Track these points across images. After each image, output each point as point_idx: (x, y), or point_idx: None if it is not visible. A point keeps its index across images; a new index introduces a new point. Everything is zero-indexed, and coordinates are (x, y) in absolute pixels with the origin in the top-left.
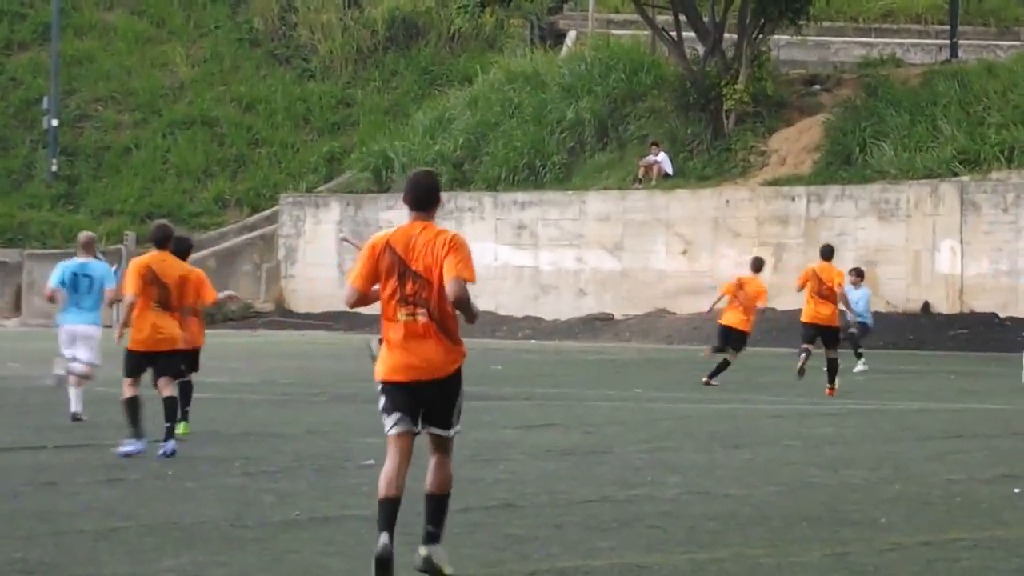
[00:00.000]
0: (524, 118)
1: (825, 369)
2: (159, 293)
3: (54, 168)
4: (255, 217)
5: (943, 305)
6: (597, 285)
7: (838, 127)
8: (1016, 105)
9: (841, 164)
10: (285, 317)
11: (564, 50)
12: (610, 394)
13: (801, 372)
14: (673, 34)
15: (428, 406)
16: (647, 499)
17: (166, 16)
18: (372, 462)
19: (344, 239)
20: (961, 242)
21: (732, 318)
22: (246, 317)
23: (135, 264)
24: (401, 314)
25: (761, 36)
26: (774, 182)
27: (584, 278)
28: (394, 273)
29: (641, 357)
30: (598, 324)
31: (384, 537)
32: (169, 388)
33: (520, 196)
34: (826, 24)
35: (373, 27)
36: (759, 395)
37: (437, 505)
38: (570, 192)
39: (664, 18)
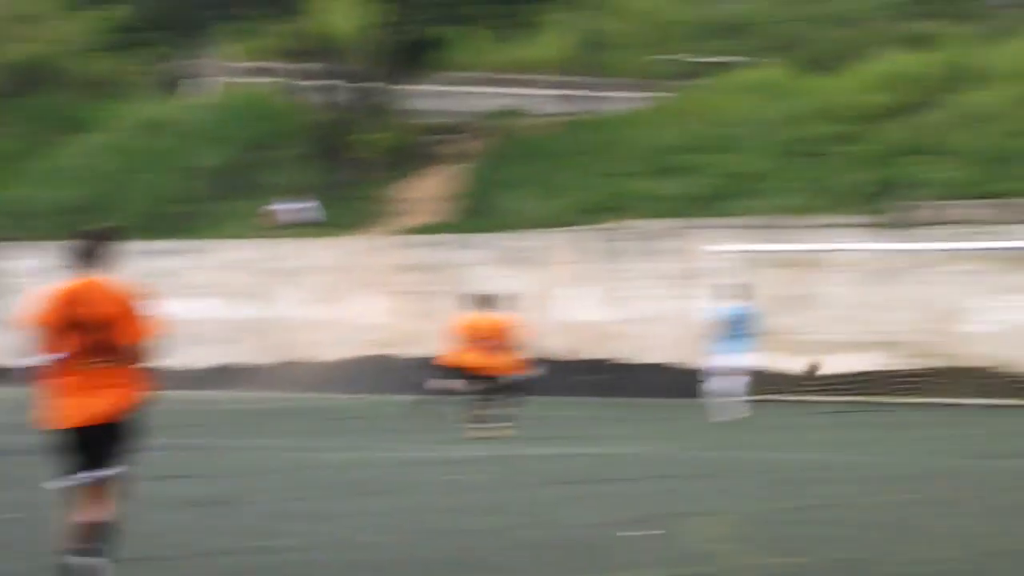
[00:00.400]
0: (155, 165)
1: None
2: None
3: None
4: None
5: (583, 351)
6: (232, 333)
7: (471, 176)
8: (649, 156)
9: (475, 213)
10: None
11: (197, 97)
12: (245, 443)
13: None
14: (308, 82)
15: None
16: (283, 549)
17: None
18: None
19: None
20: (596, 289)
21: (471, 360)
22: None
23: None
24: (79, 363)
25: (396, 85)
26: (409, 231)
27: (219, 326)
28: (64, 324)
29: (277, 406)
30: (233, 372)
31: None
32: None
33: (151, 244)
34: (461, 74)
35: None
36: (399, 443)
37: (106, 531)
38: (204, 240)
39: (297, 66)
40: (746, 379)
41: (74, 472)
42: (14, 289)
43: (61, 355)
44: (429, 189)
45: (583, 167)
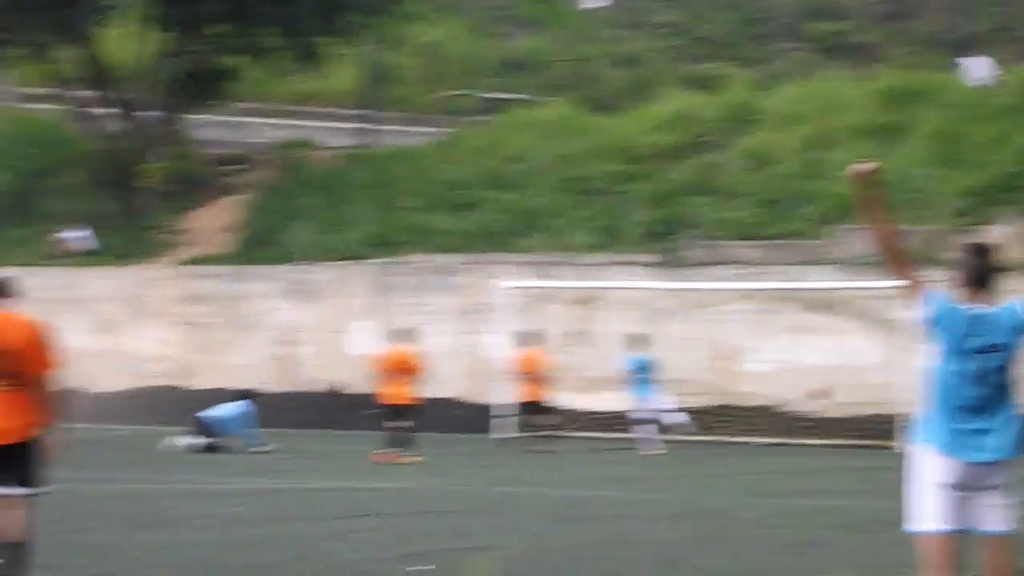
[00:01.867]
0: None
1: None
2: None
3: None
4: None
5: (358, 385)
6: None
7: (256, 207)
8: (428, 190)
9: (259, 244)
10: None
11: None
12: None
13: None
14: (90, 110)
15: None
16: None
17: None
18: None
19: None
20: (374, 323)
21: (396, 391)
22: None
23: None
24: None
25: (179, 115)
26: (192, 261)
27: None
28: None
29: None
30: None
31: None
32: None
33: None
34: (246, 105)
35: None
36: (167, 475)
37: (19, 551)
38: None
39: (82, 94)
40: (653, 422)
41: None
42: None
43: None
44: (213, 220)
45: (368, 200)
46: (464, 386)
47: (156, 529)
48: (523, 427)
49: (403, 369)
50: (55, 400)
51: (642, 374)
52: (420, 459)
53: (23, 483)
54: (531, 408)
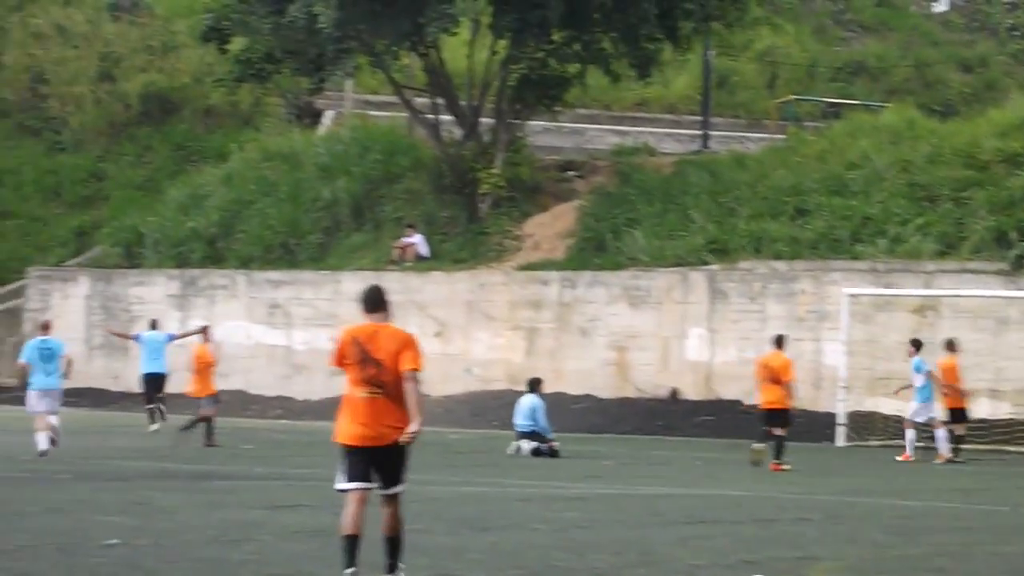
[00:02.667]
0: (280, 196)
1: None
2: None
3: None
4: (1, 291)
5: (691, 391)
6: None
7: (591, 213)
8: (764, 196)
9: (594, 250)
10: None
11: (321, 129)
12: None
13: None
14: (431, 117)
15: (378, 467)
16: None
17: None
18: (116, 541)
19: (111, 332)
20: (709, 330)
21: (769, 397)
22: None
23: None
24: (361, 392)
25: (517, 121)
26: (528, 267)
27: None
28: (357, 361)
29: None
30: None
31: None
32: None
33: (274, 275)
34: (581, 111)
35: (127, 101)
36: (507, 478)
37: (395, 544)
38: (325, 272)
39: (422, 101)
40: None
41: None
42: (138, 316)
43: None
44: (549, 225)
45: (704, 206)
46: (802, 393)
47: (495, 532)
48: (954, 439)
49: (776, 376)
50: (418, 405)
51: (925, 380)
52: (788, 467)
53: (394, 482)
54: (957, 416)
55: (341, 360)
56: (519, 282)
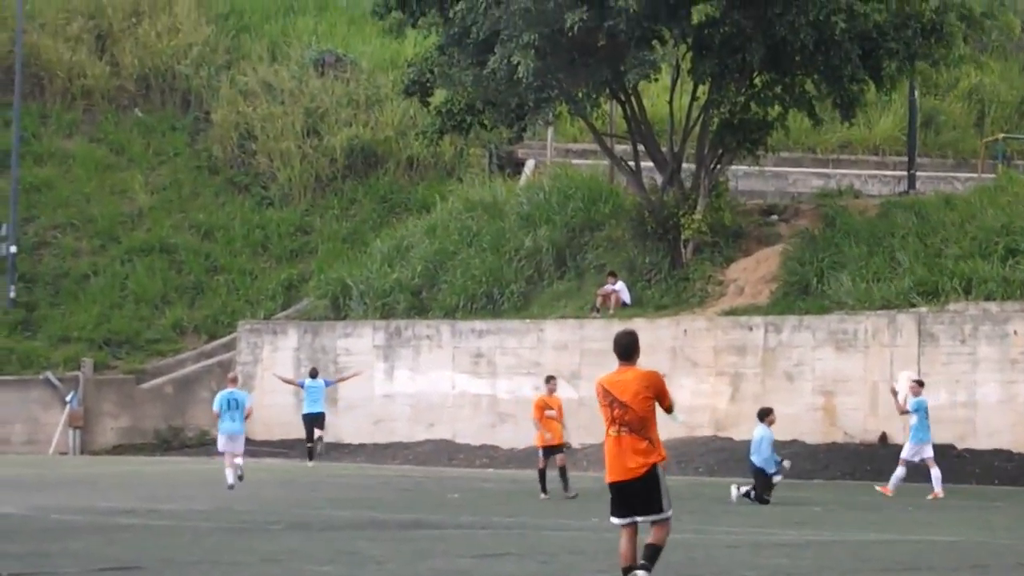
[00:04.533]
0: (482, 246)
1: None
2: None
3: (12, 295)
4: (213, 344)
5: (901, 436)
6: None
7: (795, 257)
8: (973, 237)
9: (798, 294)
10: (253, 445)
11: (522, 179)
12: (567, 523)
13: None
14: (631, 164)
15: (634, 499)
16: None
17: (125, 143)
18: None
19: (280, 377)
20: (919, 373)
21: None
22: (203, 444)
23: None
24: (611, 431)
25: (719, 166)
26: (732, 312)
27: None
28: (606, 404)
29: (598, 486)
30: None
31: None
32: None
33: (478, 324)
34: (784, 155)
35: (332, 155)
36: (714, 525)
37: (651, 552)
38: (528, 320)
39: (622, 147)
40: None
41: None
42: (345, 367)
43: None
44: (752, 270)
45: (912, 248)
46: (1012, 437)
47: None
48: None
49: None
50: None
51: (922, 417)
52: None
53: (656, 510)
54: None
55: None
56: (723, 327)
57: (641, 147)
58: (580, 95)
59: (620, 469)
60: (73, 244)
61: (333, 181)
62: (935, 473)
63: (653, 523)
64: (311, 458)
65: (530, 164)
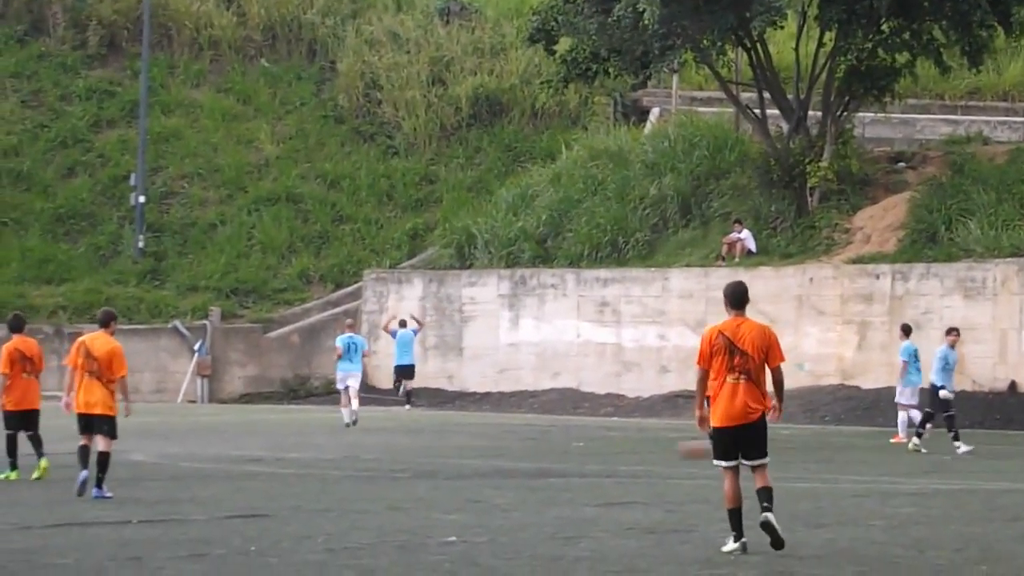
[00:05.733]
0: (607, 195)
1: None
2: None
3: (141, 244)
4: (338, 293)
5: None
6: (680, 362)
7: (923, 205)
8: None
9: (926, 242)
10: (367, 392)
11: (647, 127)
12: (692, 472)
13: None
14: (757, 111)
15: (744, 443)
16: None
17: (252, 94)
18: (454, 539)
19: (384, 328)
20: None
21: None
22: (329, 392)
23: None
24: (730, 378)
25: (846, 113)
26: (858, 260)
27: (667, 355)
28: (724, 352)
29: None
30: (681, 401)
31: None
32: (103, 443)
33: (603, 273)
34: (911, 101)
35: (457, 104)
36: (841, 474)
37: (767, 493)
38: (653, 269)
39: (748, 95)
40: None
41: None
42: (470, 316)
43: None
44: (879, 218)
45: None
46: None
47: (830, 528)
48: None
49: None
50: (781, 388)
51: (913, 363)
52: None
53: (759, 455)
54: None
55: (708, 359)
56: (849, 276)
57: (767, 94)
58: (705, 42)
59: (737, 414)
60: (200, 194)
61: (458, 130)
62: (902, 417)
63: (755, 467)
64: (410, 404)
65: (655, 112)
